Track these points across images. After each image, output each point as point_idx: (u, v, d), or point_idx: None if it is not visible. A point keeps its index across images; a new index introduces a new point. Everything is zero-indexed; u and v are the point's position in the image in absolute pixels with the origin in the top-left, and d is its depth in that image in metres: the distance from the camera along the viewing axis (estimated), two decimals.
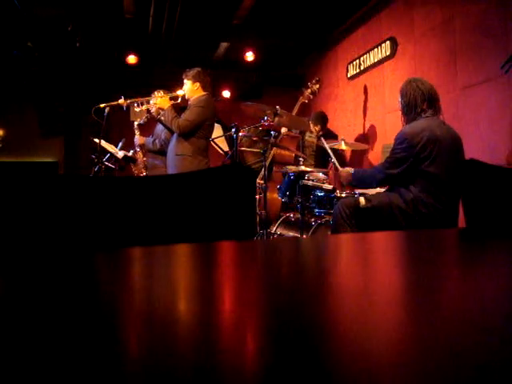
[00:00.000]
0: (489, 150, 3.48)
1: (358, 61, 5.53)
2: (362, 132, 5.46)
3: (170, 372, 0.27)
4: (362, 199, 2.72)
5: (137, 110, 4.06)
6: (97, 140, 3.88)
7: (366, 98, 5.41)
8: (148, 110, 4.23)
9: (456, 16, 3.87)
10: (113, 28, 5.63)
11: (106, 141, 4.21)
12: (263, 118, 3.66)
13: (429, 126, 2.60)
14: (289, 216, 3.82)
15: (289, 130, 4.95)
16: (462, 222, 2.38)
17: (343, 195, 3.14)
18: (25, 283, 0.54)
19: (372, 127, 5.26)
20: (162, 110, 3.93)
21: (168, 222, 1.01)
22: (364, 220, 2.69)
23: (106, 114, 3.70)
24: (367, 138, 5.30)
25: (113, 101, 3.77)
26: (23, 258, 0.71)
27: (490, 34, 3.48)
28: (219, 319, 0.38)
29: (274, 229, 3.76)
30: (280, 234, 3.70)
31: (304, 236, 3.33)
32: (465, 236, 1.02)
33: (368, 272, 0.60)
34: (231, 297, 0.48)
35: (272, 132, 4.32)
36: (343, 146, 3.91)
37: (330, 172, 4.38)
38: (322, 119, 5.26)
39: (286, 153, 4.73)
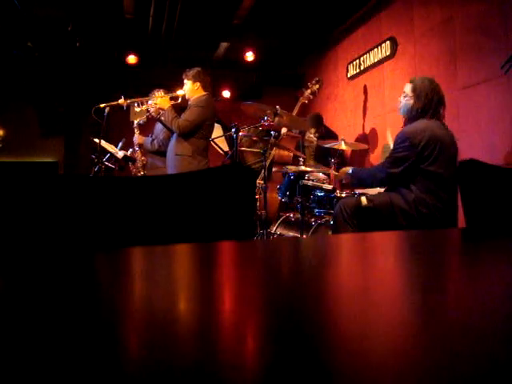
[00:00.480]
0: (489, 150, 3.48)
1: (358, 61, 5.53)
2: (361, 132, 5.46)
3: (169, 372, 0.27)
4: (363, 199, 2.72)
5: (137, 109, 4.06)
6: (97, 140, 3.88)
7: (365, 97, 5.41)
8: (148, 110, 4.23)
9: (456, 16, 3.87)
10: (113, 28, 5.63)
11: (106, 141, 4.21)
12: (263, 118, 3.66)
13: (430, 126, 2.60)
14: (289, 216, 3.82)
15: (289, 130, 4.95)
16: (461, 221, 2.38)
17: (343, 195, 3.14)
18: (25, 283, 0.54)
19: (372, 127, 5.26)
20: (163, 110, 3.93)
21: (168, 221, 1.01)
22: (365, 220, 2.69)
23: (106, 114, 3.69)
24: (367, 138, 5.30)
25: (113, 101, 3.77)
26: (23, 258, 0.71)
27: (489, 34, 3.48)
28: (219, 319, 0.38)
29: (274, 229, 3.76)
30: (280, 234, 3.70)
31: (304, 236, 3.33)
32: (465, 236, 1.02)
33: (368, 272, 0.60)
34: (231, 297, 0.48)
35: (272, 132, 4.32)
36: (343, 146, 3.90)
37: (331, 172, 4.38)
38: (317, 121, 5.25)
39: (285, 153, 4.73)
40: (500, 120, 3.40)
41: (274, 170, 4.67)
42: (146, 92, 4.30)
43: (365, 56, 5.35)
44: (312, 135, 5.20)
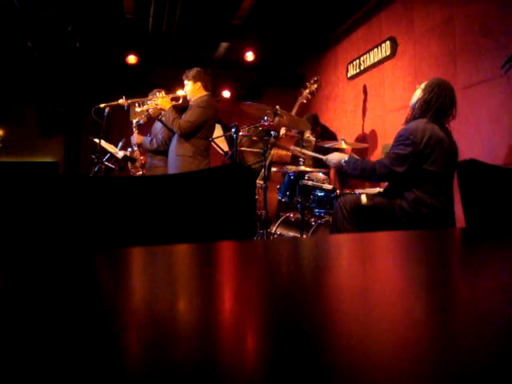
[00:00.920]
0: (489, 150, 3.48)
1: (357, 61, 5.53)
2: (361, 132, 5.46)
3: (169, 372, 0.27)
4: (363, 197, 2.71)
5: (138, 110, 4.06)
6: (97, 140, 3.88)
7: (365, 97, 5.41)
8: (147, 110, 4.23)
9: (456, 16, 3.87)
10: (113, 28, 5.63)
11: (106, 141, 4.21)
12: (263, 118, 3.66)
13: (429, 126, 2.60)
14: (289, 216, 3.82)
15: (288, 130, 4.95)
16: (461, 221, 2.38)
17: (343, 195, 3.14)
18: (25, 283, 0.54)
19: (372, 127, 5.26)
20: (163, 110, 3.93)
21: (168, 221, 1.01)
22: (364, 218, 2.68)
23: (106, 114, 3.70)
24: (367, 137, 5.30)
25: (113, 101, 3.77)
26: (23, 258, 0.71)
27: (490, 34, 3.48)
28: (219, 319, 0.38)
29: (274, 229, 3.75)
30: (280, 234, 3.70)
31: (304, 236, 3.33)
32: (465, 236, 1.02)
33: (368, 272, 0.60)
34: (231, 297, 0.48)
35: (272, 132, 4.32)
36: (343, 146, 3.91)
37: (331, 172, 4.38)
38: (313, 121, 5.25)
39: (284, 152, 4.73)
40: (500, 120, 3.40)
41: (273, 170, 4.67)
42: (146, 92, 4.30)
43: (365, 56, 5.35)
44: (309, 135, 5.20)
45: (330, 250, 0.84)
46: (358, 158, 3.08)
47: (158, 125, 4.27)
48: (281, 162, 4.64)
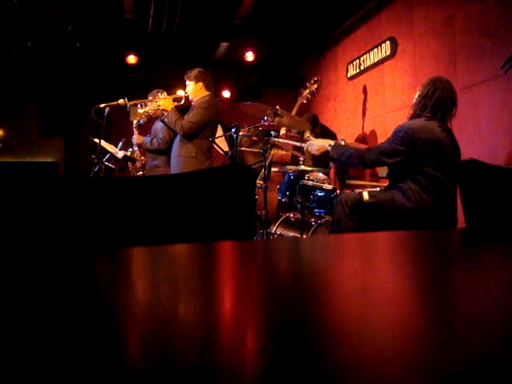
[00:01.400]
0: (489, 150, 3.48)
1: (357, 61, 5.53)
2: (361, 132, 5.46)
3: (169, 372, 0.27)
4: (365, 194, 2.72)
5: (140, 111, 4.06)
6: (97, 140, 3.88)
7: (365, 97, 5.41)
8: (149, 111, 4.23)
9: (456, 16, 3.87)
10: (113, 28, 5.63)
11: (106, 141, 4.21)
12: (263, 118, 3.66)
13: (430, 125, 2.61)
14: (289, 216, 3.82)
15: (287, 131, 4.95)
16: (461, 222, 2.38)
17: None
18: (25, 283, 0.54)
19: (372, 127, 5.26)
20: (166, 111, 3.94)
21: (168, 221, 1.01)
22: (365, 215, 2.69)
23: (105, 114, 3.70)
24: (367, 137, 5.30)
25: (113, 101, 3.78)
26: (23, 258, 0.71)
27: (489, 34, 3.48)
28: (219, 319, 0.38)
29: (274, 229, 3.76)
30: (280, 234, 3.70)
31: (304, 236, 3.33)
32: (465, 236, 1.02)
33: (368, 272, 0.60)
34: (231, 297, 0.48)
35: (272, 132, 4.31)
36: None
37: (331, 172, 4.38)
38: (312, 122, 5.24)
39: (283, 152, 4.73)
40: (500, 120, 3.40)
41: (272, 169, 4.67)
42: (146, 92, 4.30)
43: (365, 56, 5.35)
44: (309, 135, 5.19)
45: (330, 250, 0.84)
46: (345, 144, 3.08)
47: (158, 125, 4.27)
48: (281, 162, 4.64)
